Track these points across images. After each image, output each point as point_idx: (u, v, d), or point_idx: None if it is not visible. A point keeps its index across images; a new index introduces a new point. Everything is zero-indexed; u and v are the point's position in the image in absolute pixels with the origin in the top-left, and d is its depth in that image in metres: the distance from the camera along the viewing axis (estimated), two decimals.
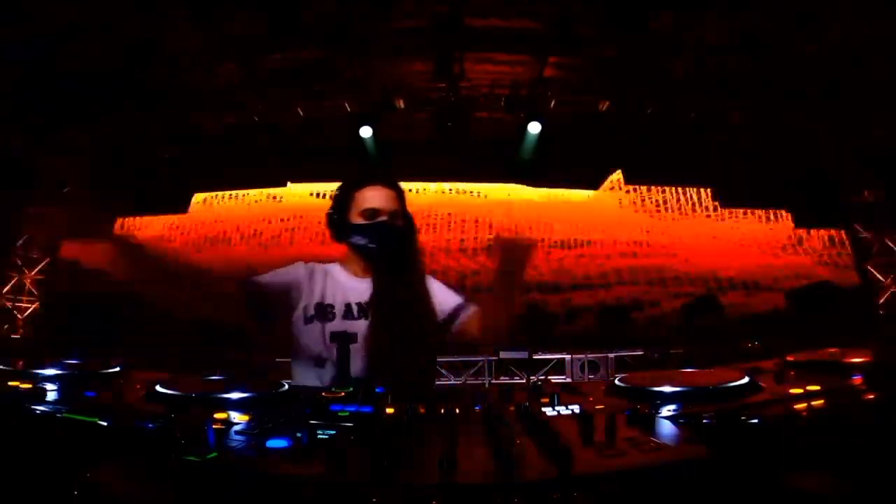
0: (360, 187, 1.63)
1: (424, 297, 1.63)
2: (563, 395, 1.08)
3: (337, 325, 1.56)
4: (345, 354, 1.41)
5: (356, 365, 1.45)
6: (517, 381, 6.19)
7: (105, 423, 0.81)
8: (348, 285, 1.64)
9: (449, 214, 7.88)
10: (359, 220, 1.60)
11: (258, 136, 7.10)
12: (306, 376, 1.54)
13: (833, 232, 7.50)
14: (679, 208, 8.05)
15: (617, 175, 7.96)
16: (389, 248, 1.59)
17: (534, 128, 6.96)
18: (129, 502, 0.68)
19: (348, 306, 1.60)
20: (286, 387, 1.16)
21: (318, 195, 7.86)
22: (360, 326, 1.55)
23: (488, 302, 1.63)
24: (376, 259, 1.61)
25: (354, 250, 1.65)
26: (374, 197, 1.61)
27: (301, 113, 6.81)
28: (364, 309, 1.59)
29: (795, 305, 6.10)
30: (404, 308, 1.56)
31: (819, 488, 0.75)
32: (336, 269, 1.68)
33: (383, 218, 1.59)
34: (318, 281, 1.63)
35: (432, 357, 1.69)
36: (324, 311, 1.58)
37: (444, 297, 1.69)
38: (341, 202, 1.64)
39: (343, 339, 1.43)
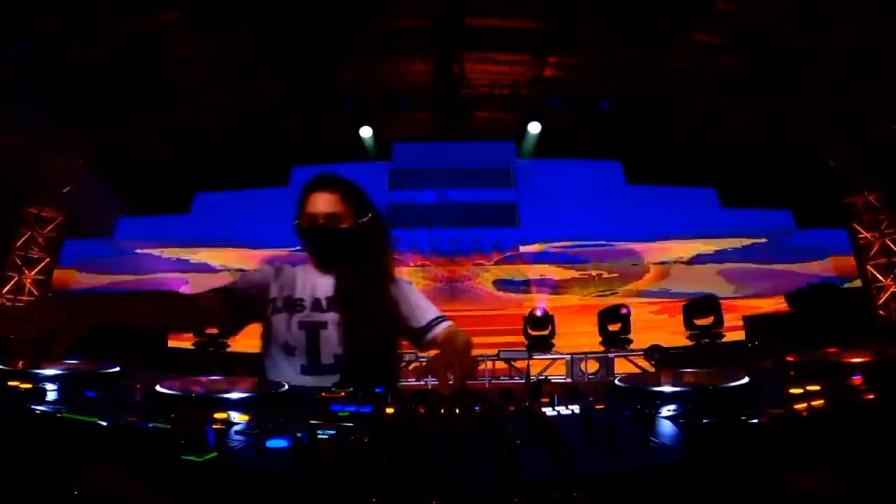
0: (307, 193, 1.70)
1: (386, 295, 1.68)
2: (563, 395, 1.08)
3: (306, 315, 1.63)
4: (314, 343, 1.57)
5: (327, 355, 1.57)
6: (517, 381, 6.20)
7: (105, 423, 0.81)
8: (317, 280, 1.69)
9: None
10: (306, 225, 1.68)
11: (258, 135, 7.11)
12: (279, 366, 1.60)
13: (833, 232, 7.50)
14: None
15: None
16: (331, 251, 1.68)
17: (534, 128, 6.97)
18: (129, 502, 0.68)
19: (317, 300, 1.65)
20: (286, 387, 1.16)
21: None
22: (329, 317, 1.62)
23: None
24: (324, 261, 1.70)
25: (309, 255, 1.75)
26: (314, 202, 1.67)
27: (301, 113, 6.82)
28: (332, 301, 1.65)
29: (796, 306, 6.10)
30: (363, 304, 1.62)
31: (819, 488, 0.75)
32: (307, 266, 1.75)
33: (321, 222, 1.65)
34: (286, 277, 1.71)
35: (394, 355, 1.72)
36: (293, 304, 1.65)
37: (418, 305, 1.73)
38: (296, 208, 1.72)
39: (311, 329, 1.58)
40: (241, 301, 1.62)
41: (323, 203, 1.66)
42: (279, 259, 1.95)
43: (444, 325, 1.69)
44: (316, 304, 1.64)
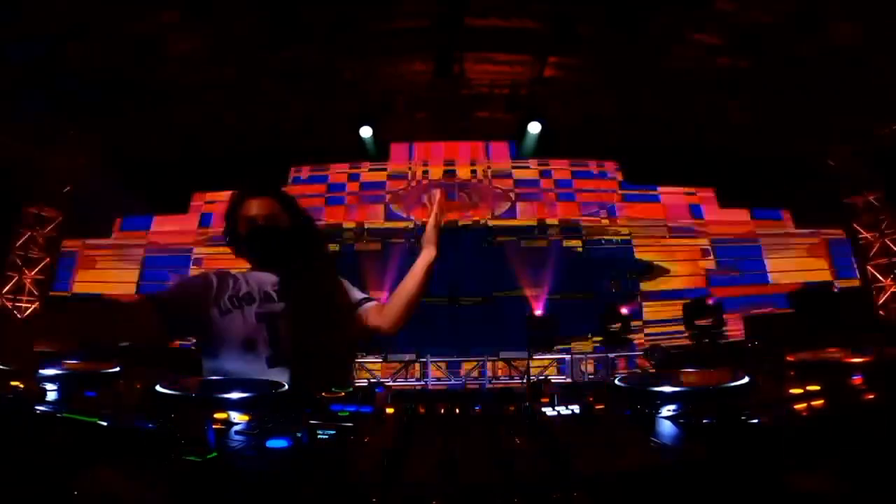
0: (241, 201, 1.74)
1: (331, 288, 1.76)
2: (562, 395, 1.08)
3: (259, 307, 1.62)
4: (275, 331, 1.56)
5: (287, 345, 1.56)
6: (517, 381, 6.20)
7: (105, 423, 0.81)
8: (262, 278, 1.71)
9: None
10: (243, 229, 1.72)
11: (258, 135, 7.12)
12: (240, 367, 1.55)
13: (833, 232, 7.50)
14: None
15: None
16: (273, 249, 1.72)
17: (534, 128, 6.97)
18: (129, 502, 0.68)
19: (266, 293, 1.66)
20: (286, 387, 1.16)
21: None
22: (282, 308, 1.64)
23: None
24: (267, 261, 1.73)
25: (248, 259, 1.77)
26: (249, 207, 1.72)
27: (301, 113, 6.82)
28: (280, 294, 1.66)
29: (796, 306, 6.10)
30: (312, 294, 1.67)
31: (819, 488, 0.75)
32: (249, 270, 1.77)
33: (261, 223, 1.71)
34: (228, 280, 1.69)
35: (347, 349, 1.81)
36: (242, 299, 1.63)
37: (350, 293, 1.84)
38: (229, 218, 1.76)
39: (269, 319, 1.58)
40: (178, 314, 1.54)
41: (259, 206, 1.72)
42: None
43: (373, 302, 1.82)
44: (266, 297, 1.65)
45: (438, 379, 6.46)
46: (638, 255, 7.62)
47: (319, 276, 1.74)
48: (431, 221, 1.79)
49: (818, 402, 0.93)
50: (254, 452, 0.73)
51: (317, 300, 1.67)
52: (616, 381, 1.16)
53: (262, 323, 1.58)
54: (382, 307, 1.80)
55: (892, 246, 7.12)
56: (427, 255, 1.78)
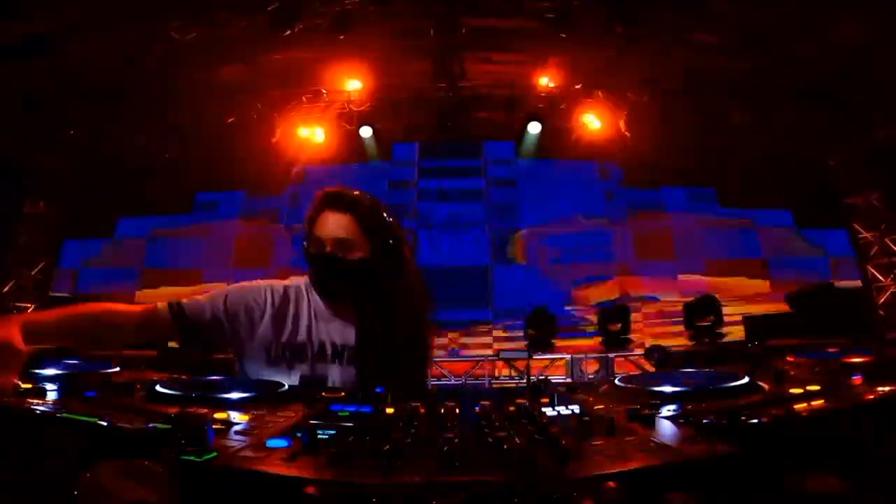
0: (316, 212, 1.46)
1: (412, 334, 1.51)
2: (562, 395, 1.08)
3: (307, 367, 1.42)
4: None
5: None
6: (517, 380, 6.20)
7: (105, 423, 0.81)
8: (325, 322, 1.48)
9: None
10: (313, 251, 1.44)
11: (258, 135, 7.11)
12: None
13: (833, 232, 7.50)
14: None
15: None
16: (338, 286, 1.45)
17: (534, 128, 6.96)
18: (129, 502, 0.68)
19: (322, 346, 1.45)
20: (286, 387, 1.16)
21: None
22: (332, 371, 1.44)
23: None
24: (330, 296, 1.48)
25: (314, 286, 1.51)
26: (323, 223, 1.43)
27: (301, 113, 6.82)
28: (339, 352, 1.45)
29: (796, 305, 6.11)
30: (377, 354, 1.42)
31: (819, 488, 0.75)
32: (315, 297, 1.51)
33: (329, 249, 1.40)
34: (287, 309, 1.48)
35: (423, 370, 1.59)
36: (294, 351, 1.44)
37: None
38: (306, 228, 1.49)
39: (312, 384, 1.36)
40: (200, 332, 1.38)
41: (333, 226, 1.41)
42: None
43: None
44: (320, 352, 1.44)
45: (438, 378, 6.47)
46: None
47: (397, 323, 1.45)
48: None
49: (818, 402, 0.94)
50: (254, 452, 0.73)
51: (391, 355, 1.41)
52: (616, 381, 1.16)
53: (305, 386, 1.35)
54: None
55: (892, 246, 7.11)
56: None
